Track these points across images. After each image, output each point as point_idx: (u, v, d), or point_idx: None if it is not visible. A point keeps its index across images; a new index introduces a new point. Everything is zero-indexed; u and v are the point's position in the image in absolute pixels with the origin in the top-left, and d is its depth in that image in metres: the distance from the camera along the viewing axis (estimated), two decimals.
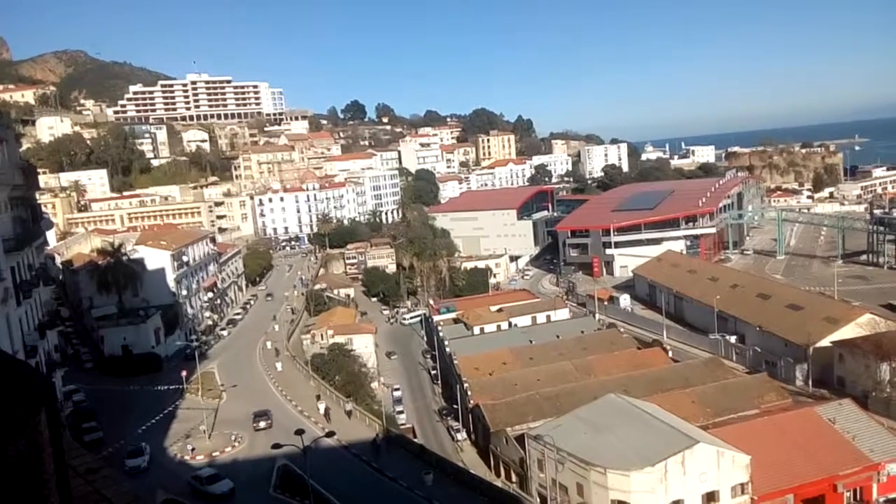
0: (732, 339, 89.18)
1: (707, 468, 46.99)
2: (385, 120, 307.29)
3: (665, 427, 50.64)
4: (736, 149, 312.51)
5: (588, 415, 55.20)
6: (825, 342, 74.42)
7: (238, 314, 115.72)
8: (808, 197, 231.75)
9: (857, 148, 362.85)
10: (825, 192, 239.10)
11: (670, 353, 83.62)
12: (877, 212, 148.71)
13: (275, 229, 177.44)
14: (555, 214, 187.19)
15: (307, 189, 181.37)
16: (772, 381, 68.63)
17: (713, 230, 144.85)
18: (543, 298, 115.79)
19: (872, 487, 51.13)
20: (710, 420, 58.25)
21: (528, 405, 64.47)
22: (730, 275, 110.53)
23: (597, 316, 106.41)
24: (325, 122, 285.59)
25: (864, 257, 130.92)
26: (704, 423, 56.89)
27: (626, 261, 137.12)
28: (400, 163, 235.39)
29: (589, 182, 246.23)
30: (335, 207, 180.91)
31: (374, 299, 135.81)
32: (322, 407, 65.51)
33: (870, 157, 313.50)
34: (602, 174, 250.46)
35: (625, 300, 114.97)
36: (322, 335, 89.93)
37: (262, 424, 61.72)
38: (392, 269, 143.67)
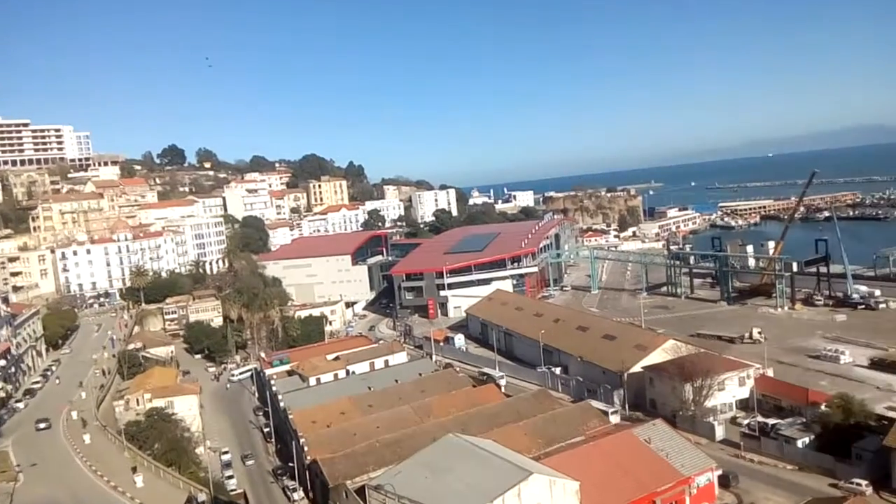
0: (557, 370, 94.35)
1: (541, 498, 48.49)
2: (207, 165, 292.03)
3: (501, 462, 51.69)
4: (552, 194, 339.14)
5: (428, 458, 54.92)
6: (637, 368, 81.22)
7: (37, 382, 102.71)
8: (615, 236, 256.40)
9: (651, 192, 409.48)
10: (629, 232, 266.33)
11: (503, 388, 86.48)
12: (672, 248, 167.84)
13: (80, 285, 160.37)
14: (389, 258, 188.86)
15: (118, 240, 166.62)
16: (594, 408, 73.08)
17: (536, 269, 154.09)
18: (381, 343, 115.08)
19: (685, 500, 55.72)
20: (541, 450, 60.56)
21: (369, 454, 62.95)
22: (552, 310, 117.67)
23: (433, 357, 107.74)
24: (139, 167, 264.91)
25: (664, 289, 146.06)
26: (537, 453, 59.02)
27: (460, 301, 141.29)
28: (225, 210, 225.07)
29: (421, 226, 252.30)
30: (151, 259, 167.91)
31: (199, 356, 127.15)
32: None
33: (665, 200, 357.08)
34: (433, 218, 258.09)
35: (459, 340, 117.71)
36: (138, 400, 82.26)
37: (42, 426, 78.43)
38: (218, 322, 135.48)
